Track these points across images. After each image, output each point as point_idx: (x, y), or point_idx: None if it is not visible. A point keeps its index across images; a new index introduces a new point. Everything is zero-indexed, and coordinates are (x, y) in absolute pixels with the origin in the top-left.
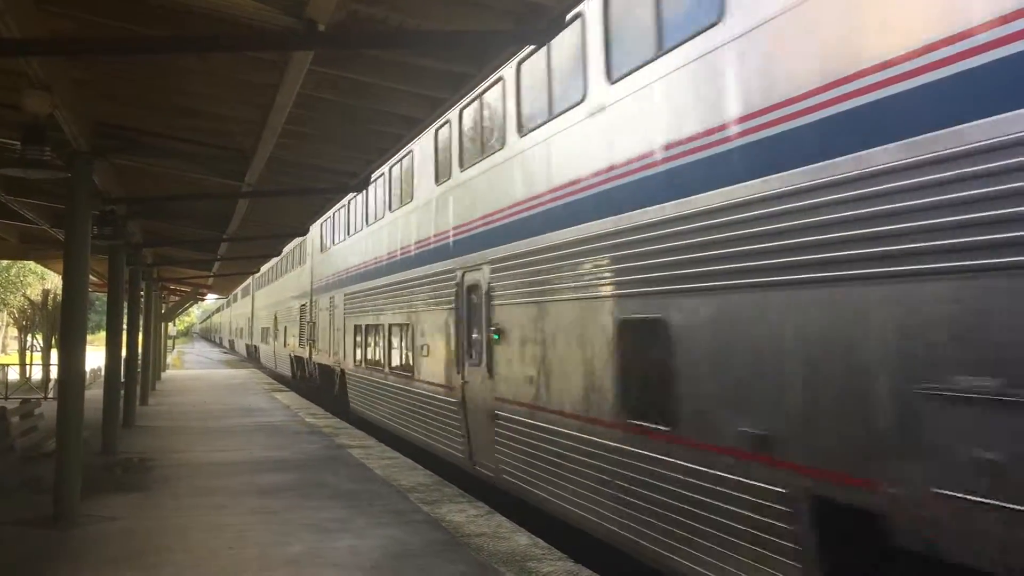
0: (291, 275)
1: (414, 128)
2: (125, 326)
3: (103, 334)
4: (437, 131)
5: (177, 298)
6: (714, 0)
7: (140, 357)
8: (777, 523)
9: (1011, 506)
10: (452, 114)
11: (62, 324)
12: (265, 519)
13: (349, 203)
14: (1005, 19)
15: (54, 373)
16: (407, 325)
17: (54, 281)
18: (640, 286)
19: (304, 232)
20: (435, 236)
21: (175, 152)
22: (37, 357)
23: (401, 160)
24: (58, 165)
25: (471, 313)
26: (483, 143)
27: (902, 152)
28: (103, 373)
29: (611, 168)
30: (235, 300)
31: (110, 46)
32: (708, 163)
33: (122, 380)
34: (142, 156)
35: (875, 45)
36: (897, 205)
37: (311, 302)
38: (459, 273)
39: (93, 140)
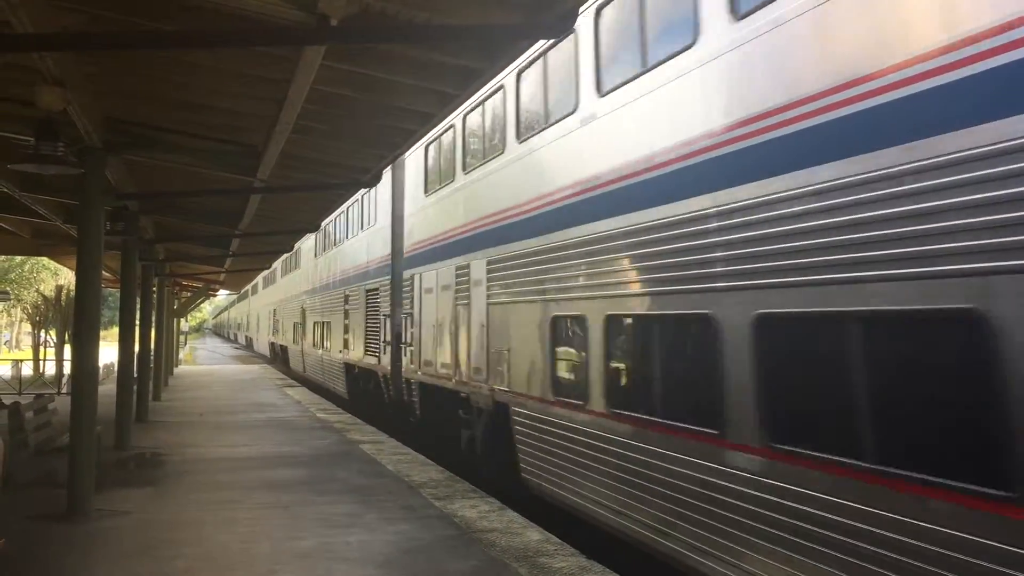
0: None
1: (426, 123)
2: (138, 322)
3: (116, 330)
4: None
5: (189, 294)
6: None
7: (152, 353)
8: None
9: None
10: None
11: (75, 320)
12: (277, 514)
13: None
14: None
15: (67, 368)
16: None
17: (67, 277)
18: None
19: (316, 228)
20: None
21: (187, 148)
22: (50, 352)
23: None
24: (71, 161)
25: None
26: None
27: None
28: (116, 368)
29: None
30: (281, 274)
31: (123, 41)
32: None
33: (135, 375)
34: (154, 152)
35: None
36: None
37: None
38: None
39: (106, 136)
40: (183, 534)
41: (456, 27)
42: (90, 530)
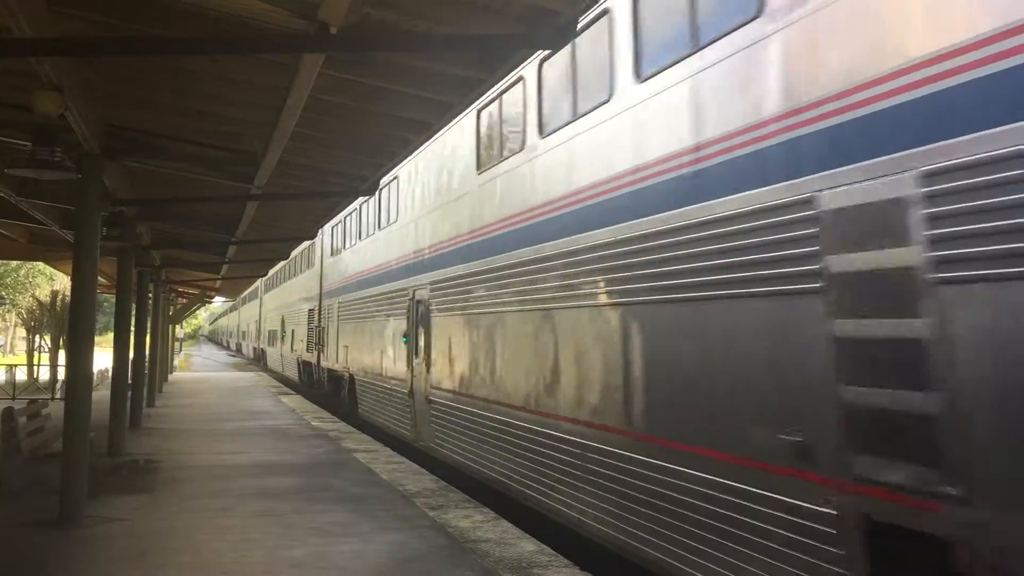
0: None
1: (424, 132)
2: (133, 328)
3: (111, 335)
4: None
5: (185, 300)
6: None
7: (147, 359)
8: None
9: None
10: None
11: (70, 325)
12: (270, 522)
13: None
14: None
15: (61, 374)
16: None
17: (62, 282)
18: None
19: (312, 236)
20: None
21: (185, 154)
22: (45, 358)
23: None
24: (68, 166)
25: None
26: None
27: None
28: (110, 374)
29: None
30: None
31: (121, 47)
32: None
33: (129, 382)
34: (152, 158)
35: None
36: None
37: None
38: None
39: (104, 142)
40: (176, 542)
41: (456, 37)
42: (83, 537)
